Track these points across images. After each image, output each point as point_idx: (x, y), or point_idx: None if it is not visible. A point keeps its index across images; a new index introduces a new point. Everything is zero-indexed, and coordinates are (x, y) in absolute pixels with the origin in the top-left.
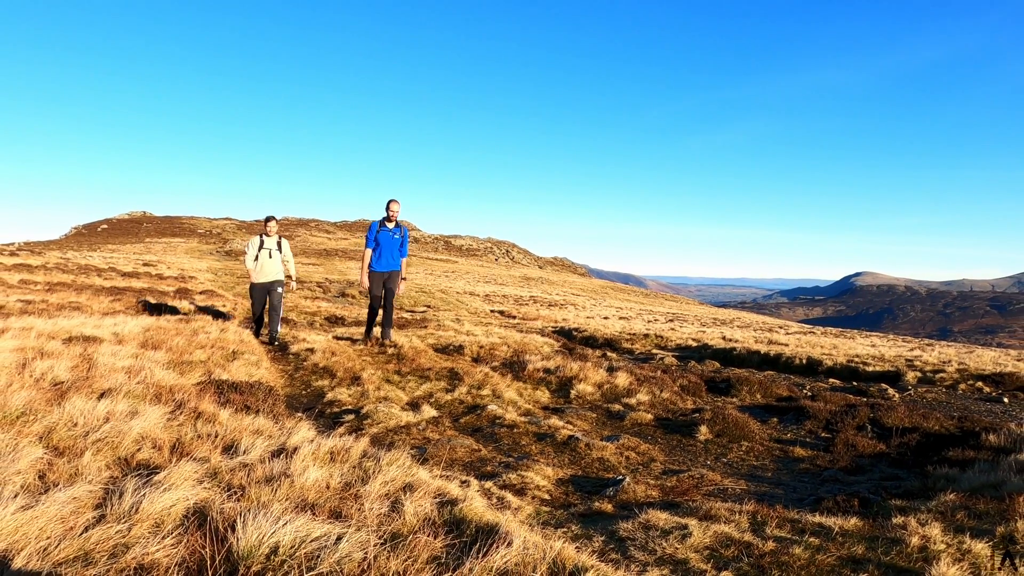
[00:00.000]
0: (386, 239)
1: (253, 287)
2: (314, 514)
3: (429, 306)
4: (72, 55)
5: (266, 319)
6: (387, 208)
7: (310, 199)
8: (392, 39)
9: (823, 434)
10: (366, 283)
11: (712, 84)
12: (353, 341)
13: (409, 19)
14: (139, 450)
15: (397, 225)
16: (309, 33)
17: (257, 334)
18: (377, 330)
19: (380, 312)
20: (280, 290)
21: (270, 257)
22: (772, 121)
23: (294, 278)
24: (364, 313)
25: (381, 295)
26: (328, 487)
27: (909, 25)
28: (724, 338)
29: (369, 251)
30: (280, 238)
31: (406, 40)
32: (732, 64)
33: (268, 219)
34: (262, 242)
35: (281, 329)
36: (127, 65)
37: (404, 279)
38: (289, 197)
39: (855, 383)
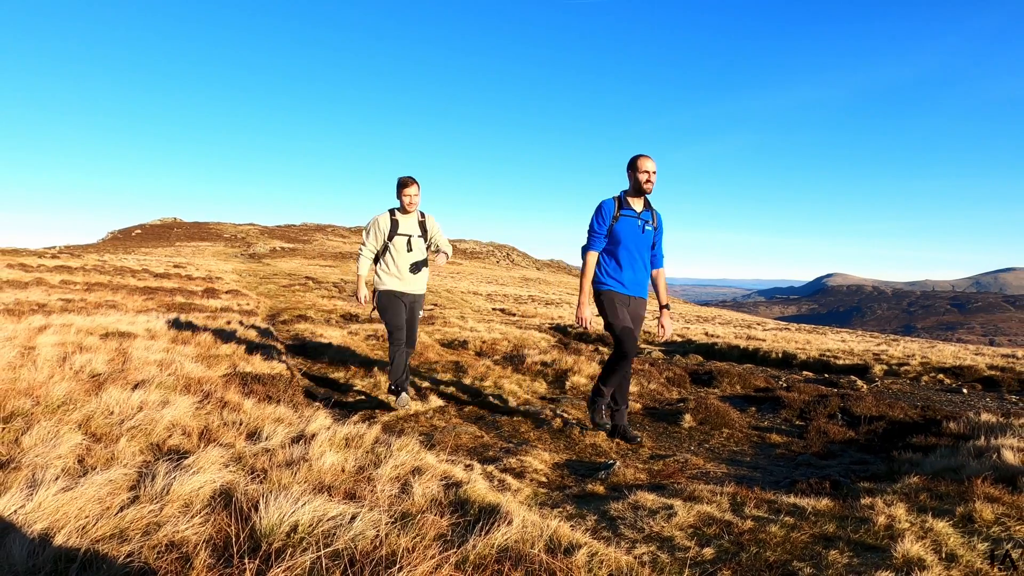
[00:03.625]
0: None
1: (386, 296)
2: (330, 495)
3: (436, 304)
4: (111, 71)
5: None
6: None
7: (326, 205)
8: (398, 49)
9: (797, 422)
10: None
11: (698, 101)
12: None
13: (412, 32)
14: (170, 436)
15: (424, 217)
16: (317, 47)
17: (398, 385)
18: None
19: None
20: (421, 313)
21: (409, 250)
22: (753, 134)
23: (449, 254)
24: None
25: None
26: (343, 470)
27: (879, 47)
28: (707, 334)
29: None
30: (423, 216)
31: (413, 52)
32: (717, 83)
33: (405, 183)
34: (395, 225)
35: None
36: (159, 80)
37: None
38: (307, 203)
39: (827, 375)
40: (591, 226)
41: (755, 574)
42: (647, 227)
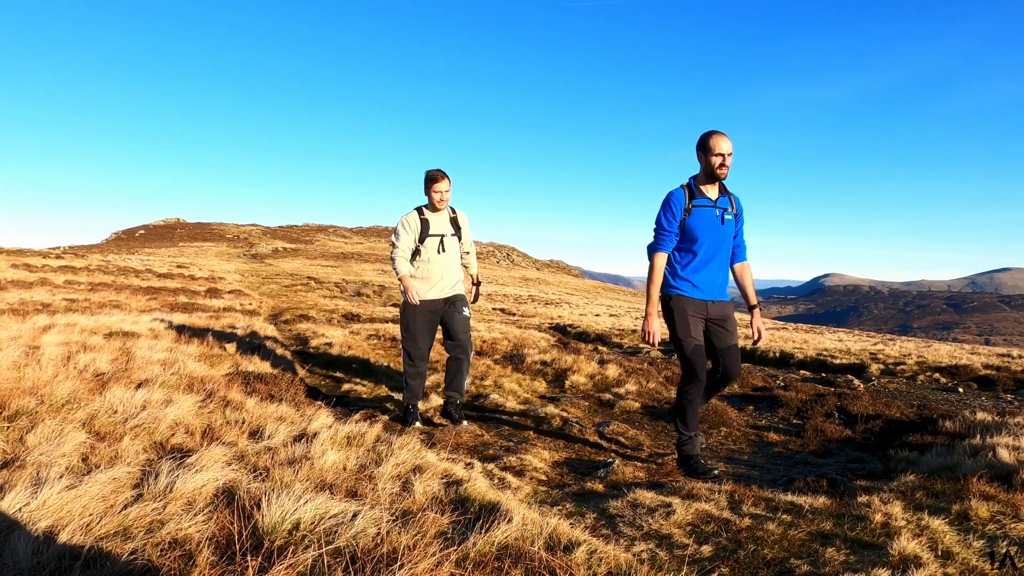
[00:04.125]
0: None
1: (411, 311)
2: (332, 493)
3: None
4: (115, 72)
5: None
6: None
7: (328, 206)
8: (399, 49)
9: (795, 421)
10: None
11: (697, 102)
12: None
13: (413, 33)
14: (173, 435)
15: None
16: (319, 48)
17: (410, 417)
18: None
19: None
20: (465, 312)
21: (442, 251)
22: (751, 135)
23: (480, 282)
24: (378, 310)
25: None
26: (345, 469)
27: (876, 48)
28: None
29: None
30: (454, 212)
31: (414, 53)
32: (715, 84)
33: (435, 177)
34: (425, 225)
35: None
36: (163, 81)
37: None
38: (309, 204)
39: (824, 374)
40: (658, 222)
41: (753, 571)
42: (727, 215)
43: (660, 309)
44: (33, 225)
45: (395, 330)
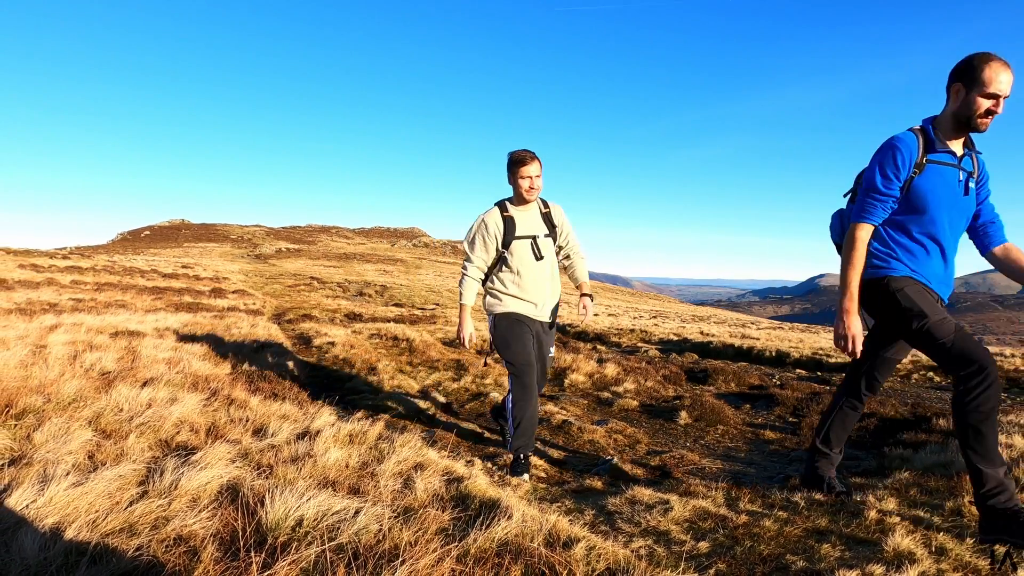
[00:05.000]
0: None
1: (508, 322)
2: (335, 490)
3: (438, 304)
4: (120, 74)
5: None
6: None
7: (330, 207)
8: (400, 50)
9: (791, 419)
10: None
11: (695, 104)
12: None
13: (414, 34)
14: (178, 433)
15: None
16: (320, 49)
17: (520, 467)
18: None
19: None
20: (552, 351)
21: (538, 257)
22: (748, 137)
23: (591, 294)
24: (380, 310)
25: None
26: (347, 466)
27: (873, 51)
28: (702, 333)
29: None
30: (546, 204)
31: (415, 54)
32: (713, 86)
33: (522, 159)
34: (510, 223)
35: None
36: (167, 82)
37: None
38: (312, 205)
39: (819, 373)
40: (870, 179)
41: (749, 567)
42: (971, 182)
43: (855, 303)
44: (40, 226)
45: (396, 329)
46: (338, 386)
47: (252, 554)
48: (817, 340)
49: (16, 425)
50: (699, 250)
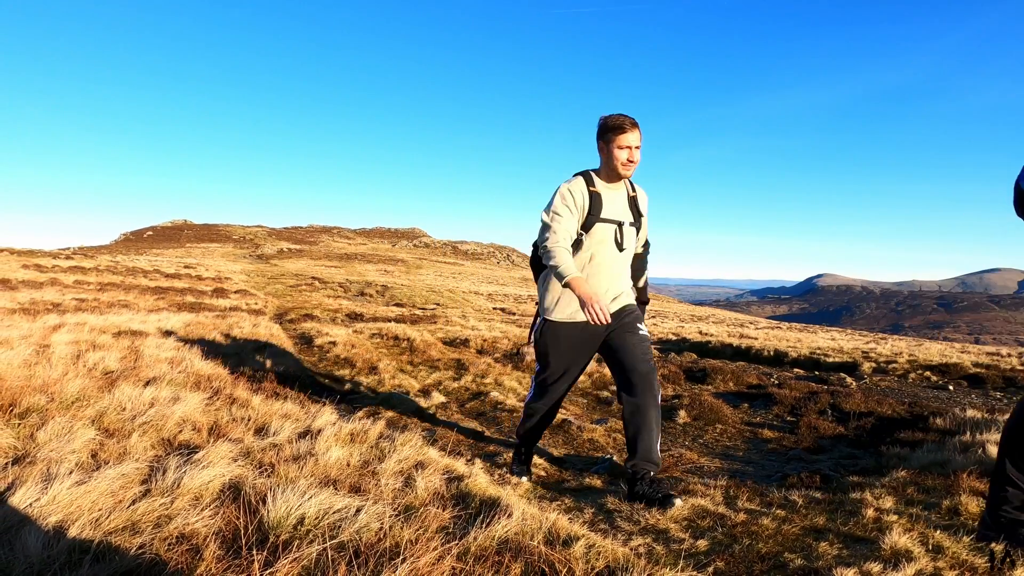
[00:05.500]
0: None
1: (556, 332)
2: (336, 489)
3: (439, 304)
4: (124, 75)
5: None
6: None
7: (331, 207)
8: (401, 51)
9: (789, 418)
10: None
11: (693, 106)
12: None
13: (415, 35)
14: (180, 432)
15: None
16: (321, 49)
17: (516, 467)
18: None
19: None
20: (643, 329)
21: (620, 247)
22: (746, 138)
23: (648, 300)
24: (381, 310)
25: (576, 376)
26: (348, 465)
27: (870, 52)
28: (701, 332)
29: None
30: (633, 188)
31: (415, 54)
32: (711, 87)
33: (620, 125)
34: (595, 202)
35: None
36: (170, 83)
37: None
38: (314, 205)
39: (817, 373)
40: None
41: (747, 565)
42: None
43: None
44: (44, 227)
45: (397, 329)
46: (339, 385)
47: (254, 552)
48: (815, 340)
49: (20, 424)
50: (698, 250)
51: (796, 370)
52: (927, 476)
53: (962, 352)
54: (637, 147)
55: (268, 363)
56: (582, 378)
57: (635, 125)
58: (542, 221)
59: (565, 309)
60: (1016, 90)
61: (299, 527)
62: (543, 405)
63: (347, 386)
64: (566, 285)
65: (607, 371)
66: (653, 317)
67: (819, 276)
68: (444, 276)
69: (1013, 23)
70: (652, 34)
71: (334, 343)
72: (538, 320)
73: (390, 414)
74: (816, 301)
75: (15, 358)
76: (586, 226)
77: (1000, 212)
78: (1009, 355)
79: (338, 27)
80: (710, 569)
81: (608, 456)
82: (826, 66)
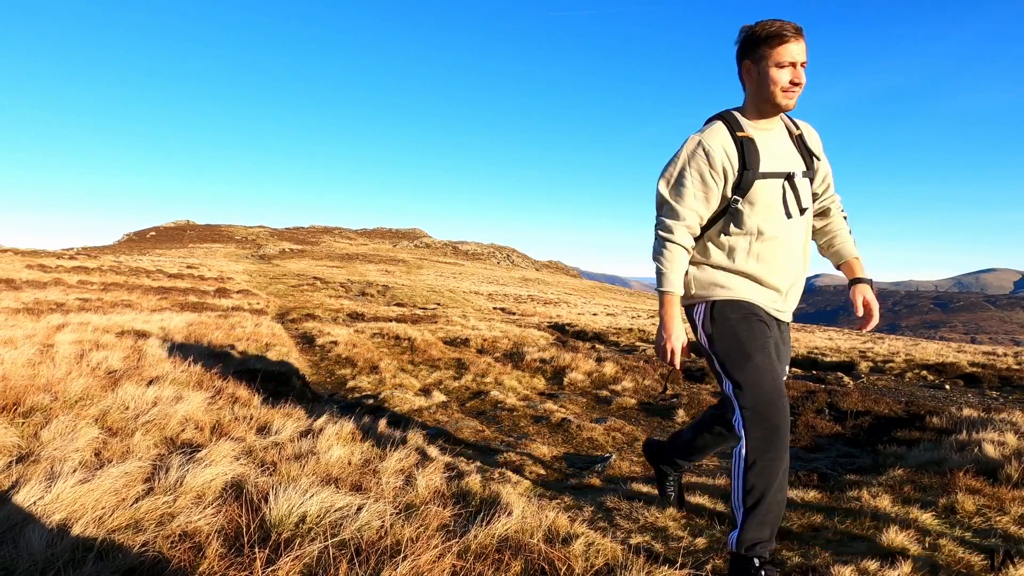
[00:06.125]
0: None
1: (733, 311)
2: (337, 487)
3: (439, 304)
4: (127, 76)
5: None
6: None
7: (332, 208)
8: (401, 52)
9: None
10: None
11: (695, 106)
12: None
13: (415, 35)
14: (183, 430)
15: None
16: (322, 50)
17: (666, 496)
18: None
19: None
20: (786, 368)
21: (798, 211)
22: None
23: (871, 280)
24: (382, 310)
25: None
26: (350, 463)
27: (869, 53)
28: None
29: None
30: (794, 123)
31: (415, 55)
32: (711, 88)
33: (779, 33)
34: (749, 151)
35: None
36: (173, 84)
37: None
38: (315, 206)
39: (814, 372)
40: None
41: None
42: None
43: None
44: (48, 227)
45: (398, 328)
46: (341, 384)
47: (256, 550)
48: (812, 339)
49: (24, 423)
50: None
51: (794, 369)
52: (924, 475)
53: (958, 352)
54: (803, 63)
55: (270, 363)
56: (581, 377)
57: (799, 33)
58: (659, 193)
59: (739, 289)
60: (1015, 90)
61: (301, 525)
62: (768, 441)
63: (348, 385)
64: (659, 294)
65: (606, 370)
66: (653, 316)
67: (816, 276)
68: (444, 276)
69: (1013, 23)
70: (652, 35)
71: (335, 343)
72: (699, 309)
73: (391, 413)
74: (813, 301)
75: (19, 357)
76: (742, 187)
77: (997, 212)
78: (1005, 354)
79: (340, 29)
80: (708, 567)
81: (608, 455)
82: (825, 67)
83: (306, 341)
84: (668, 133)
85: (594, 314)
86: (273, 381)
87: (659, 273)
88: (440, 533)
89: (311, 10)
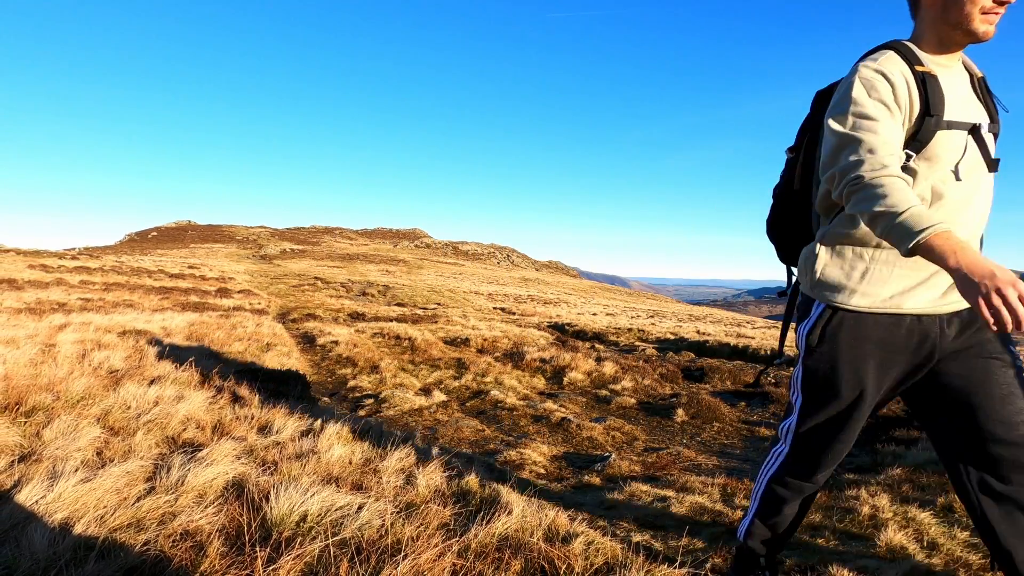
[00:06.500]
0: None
1: (861, 322)
2: (338, 486)
3: (439, 304)
4: (128, 77)
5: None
6: None
7: (333, 208)
8: (401, 53)
9: None
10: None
11: (692, 108)
12: None
13: (415, 36)
14: (184, 430)
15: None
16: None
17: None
18: None
19: None
20: (1015, 354)
21: (983, 168)
22: (745, 140)
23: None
24: (382, 310)
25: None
26: (350, 463)
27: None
28: (698, 332)
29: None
30: (973, 68)
31: (416, 56)
32: (710, 89)
33: None
34: (930, 90)
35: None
36: (174, 85)
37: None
38: (316, 206)
39: None
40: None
41: None
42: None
43: None
44: (49, 227)
45: (399, 328)
46: (342, 384)
47: (257, 549)
48: None
49: (26, 422)
50: (696, 251)
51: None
52: (922, 474)
53: None
54: None
55: (271, 362)
56: (581, 377)
57: None
58: (832, 132)
59: (881, 289)
60: (1015, 91)
61: (302, 524)
62: (806, 477)
63: (349, 385)
64: (914, 248)
65: (606, 370)
66: (652, 316)
67: None
68: (445, 276)
69: (1013, 23)
70: (651, 37)
71: (336, 342)
72: (816, 311)
73: (391, 412)
74: None
75: (21, 357)
76: (918, 141)
77: (995, 212)
78: None
79: (340, 30)
80: (707, 566)
81: (607, 454)
82: (825, 68)
83: (307, 341)
84: (668, 133)
85: (594, 314)
86: (274, 381)
87: (894, 218)
88: (440, 532)
89: (311, 11)
